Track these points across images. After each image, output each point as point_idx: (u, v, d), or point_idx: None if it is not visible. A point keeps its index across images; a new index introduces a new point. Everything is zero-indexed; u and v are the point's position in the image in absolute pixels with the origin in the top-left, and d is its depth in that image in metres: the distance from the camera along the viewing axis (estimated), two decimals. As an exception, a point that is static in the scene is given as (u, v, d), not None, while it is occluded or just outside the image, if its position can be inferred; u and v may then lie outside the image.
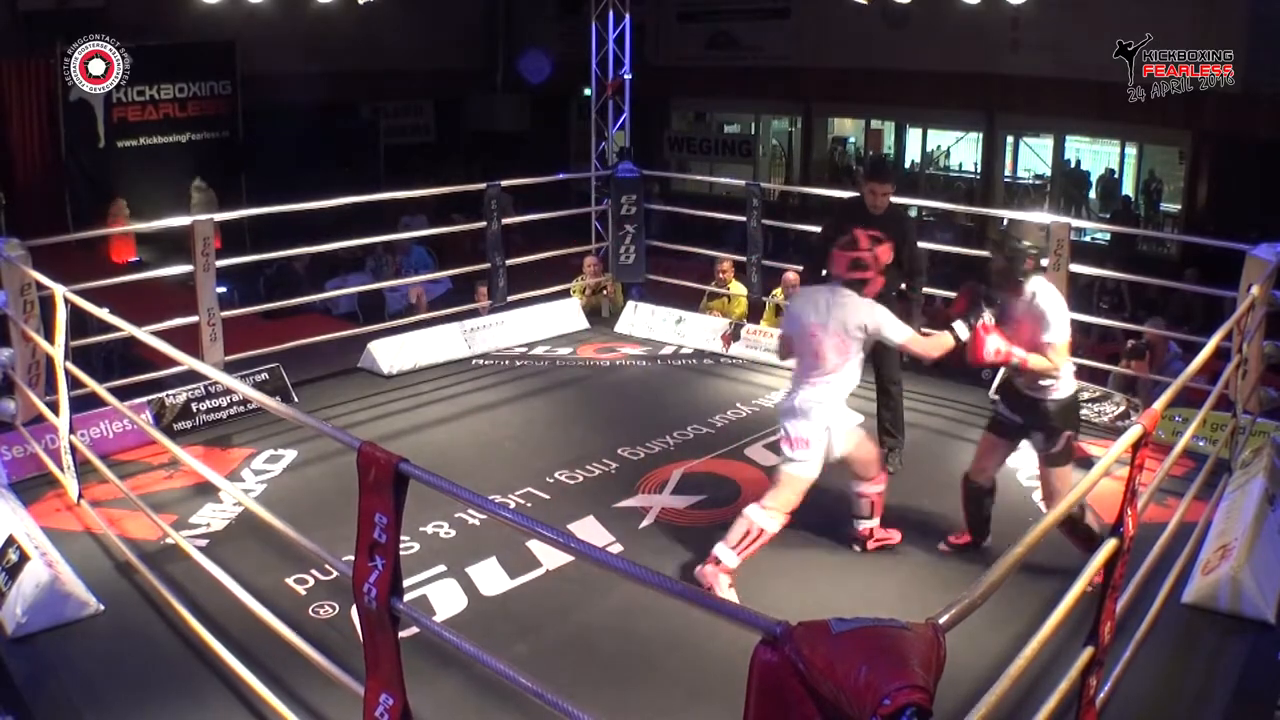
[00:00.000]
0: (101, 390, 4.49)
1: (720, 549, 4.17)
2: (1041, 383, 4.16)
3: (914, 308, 5.30)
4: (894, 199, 5.35)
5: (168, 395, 5.98)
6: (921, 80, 14.60)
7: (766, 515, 4.18)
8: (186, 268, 6.17)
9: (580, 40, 9.84)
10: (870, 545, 4.59)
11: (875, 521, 4.58)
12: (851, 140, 17.63)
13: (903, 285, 5.34)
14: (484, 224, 7.67)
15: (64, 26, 12.34)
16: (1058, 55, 13.00)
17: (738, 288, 8.32)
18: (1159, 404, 3.15)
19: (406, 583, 3.71)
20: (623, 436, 5.90)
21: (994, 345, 4.08)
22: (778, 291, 7.96)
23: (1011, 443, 4.42)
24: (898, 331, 4.24)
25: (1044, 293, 4.10)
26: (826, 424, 4.21)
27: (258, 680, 3.38)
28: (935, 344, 4.26)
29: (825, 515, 4.95)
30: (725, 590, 4.11)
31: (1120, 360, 6.99)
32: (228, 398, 6.11)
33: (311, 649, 3.13)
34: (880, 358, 5.29)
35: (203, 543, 4.50)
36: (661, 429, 6.03)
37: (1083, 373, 5.96)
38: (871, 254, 4.20)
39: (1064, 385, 4.18)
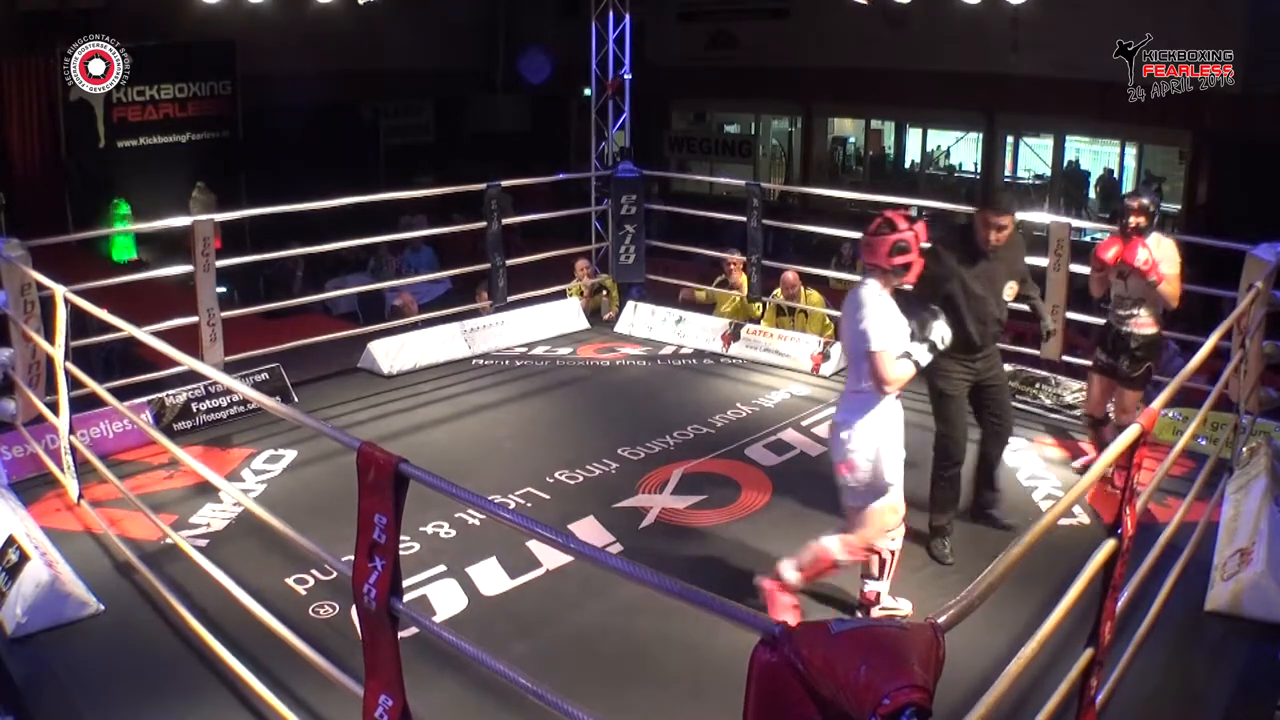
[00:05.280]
0: (102, 390, 4.49)
1: (785, 567, 3.90)
2: (1141, 323, 4.94)
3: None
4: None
5: (168, 395, 5.99)
6: (921, 80, 14.60)
7: (841, 547, 3.84)
8: (186, 268, 6.18)
9: (580, 40, 9.83)
10: (874, 613, 3.98)
11: (884, 584, 4.00)
12: (851, 140, 17.64)
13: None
14: (484, 224, 7.68)
15: (64, 26, 12.37)
16: (1058, 55, 13.00)
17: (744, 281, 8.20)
18: (1157, 403, 3.14)
19: (406, 583, 3.71)
20: (623, 436, 5.89)
21: (1144, 255, 4.73)
22: (778, 291, 7.94)
23: (1111, 380, 5.12)
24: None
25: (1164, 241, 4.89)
26: (873, 445, 3.74)
27: (258, 680, 3.38)
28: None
29: (824, 514, 4.94)
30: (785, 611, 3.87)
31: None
32: (228, 398, 6.11)
33: (311, 650, 3.13)
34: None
35: (203, 543, 4.50)
36: (661, 429, 6.03)
37: (1082, 373, 5.99)
38: (913, 233, 3.74)
39: (1155, 326, 4.97)
